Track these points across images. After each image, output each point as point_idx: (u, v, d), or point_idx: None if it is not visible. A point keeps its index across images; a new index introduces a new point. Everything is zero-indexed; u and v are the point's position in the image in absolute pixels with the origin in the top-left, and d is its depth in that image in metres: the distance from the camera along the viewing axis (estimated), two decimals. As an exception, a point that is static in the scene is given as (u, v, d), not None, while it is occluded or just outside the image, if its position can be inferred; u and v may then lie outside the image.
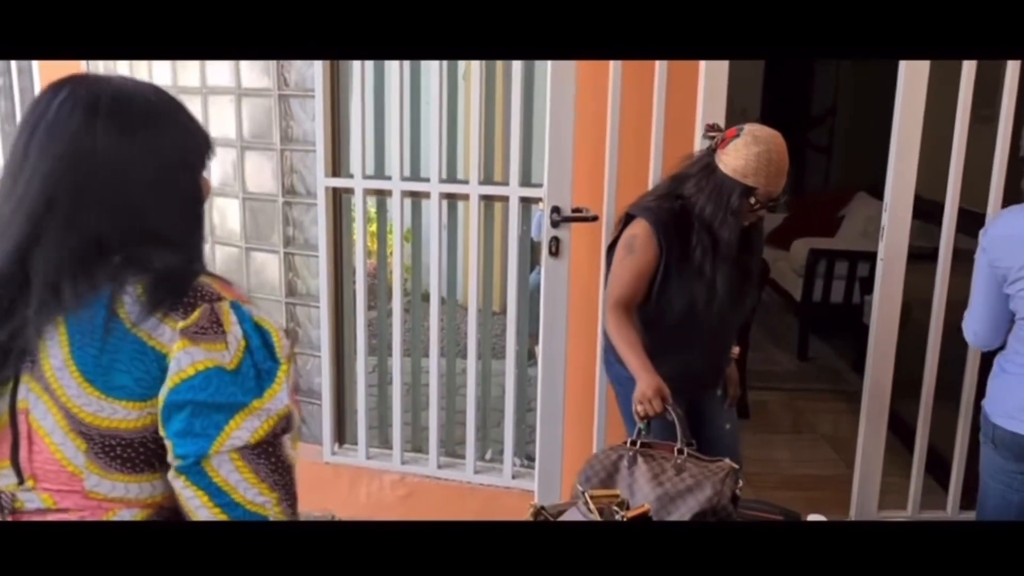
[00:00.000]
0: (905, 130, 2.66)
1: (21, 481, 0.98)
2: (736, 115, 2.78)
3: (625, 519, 1.38)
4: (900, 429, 3.16)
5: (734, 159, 2.07)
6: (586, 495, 1.46)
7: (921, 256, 2.97)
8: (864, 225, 5.24)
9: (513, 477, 3.07)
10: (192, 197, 1.08)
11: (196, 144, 1.08)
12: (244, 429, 0.95)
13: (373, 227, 3.60)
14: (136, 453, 0.98)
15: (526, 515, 1.50)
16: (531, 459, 3.03)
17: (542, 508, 1.49)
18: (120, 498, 0.98)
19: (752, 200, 2.08)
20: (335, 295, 3.16)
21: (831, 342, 5.00)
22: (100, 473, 0.97)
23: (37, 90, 5.15)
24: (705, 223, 2.11)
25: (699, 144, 2.59)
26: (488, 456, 3.24)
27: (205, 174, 1.11)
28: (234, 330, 0.98)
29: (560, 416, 2.64)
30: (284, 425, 0.99)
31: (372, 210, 3.40)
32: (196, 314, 0.97)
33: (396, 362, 3.13)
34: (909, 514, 2.90)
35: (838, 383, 4.46)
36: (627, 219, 2.22)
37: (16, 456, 0.98)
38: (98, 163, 0.98)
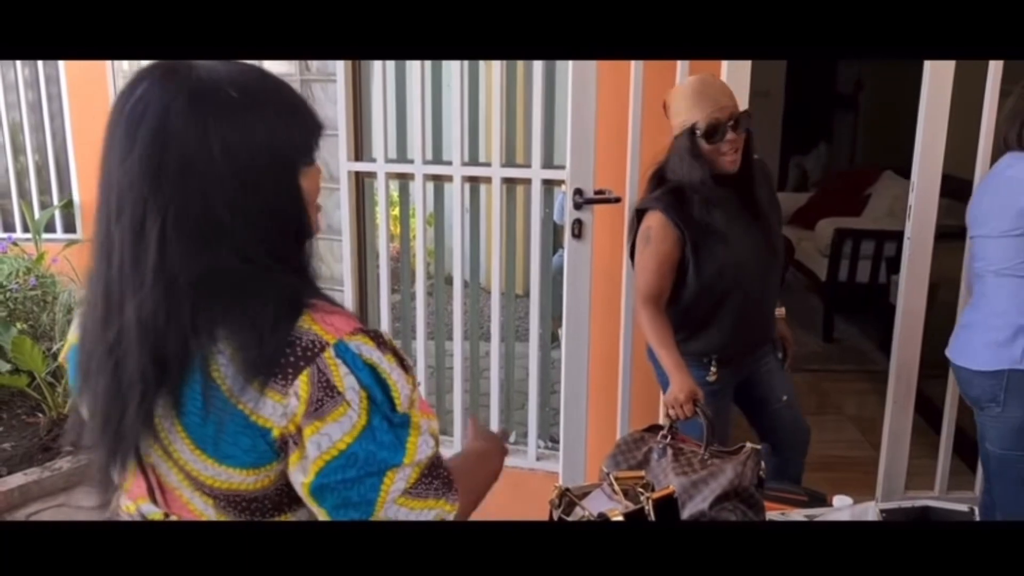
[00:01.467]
0: (933, 107, 2.62)
1: (166, 515, 0.99)
2: (759, 96, 2.76)
3: (650, 500, 1.38)
4: (927, 410, 3.13)
5: (673, 118, 2.15)
6: (611, 476, 1.47)
7: (949, 235, 2.93)
8: (891, 204, 5.18)
9: (537, 459, 3.08)
10: (288, 202, 0.94)
11: (291, 135, 0.94)
12: (400, 481, 0.91)
13: (396, 211, 3.61)
14: (266, 505, 0.95)
15: (551, 497, 1.51)
16: (555, 441, 3.04)
17: (567, 490, 1.50)
18: None
19: (699, 135, 2.08)
20: (359, 279, 3.18)
21: (857, 323, 4.95)
22: (235, 517, 0.96)
23: (63, 79, 5.20)
24: (691, 186, 2.13)
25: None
26: (512, 439, 3.26)
27: (315, 164, 0.99)
28: (349, 383, 0.89)
29: (584, 398, 2.65)
30: (435, 460, 0.95)
31: (395, 194, 3.41)
32: (304, 386, 0.87)
33: (420, 345, 3.14)
34: (936, 495, 2.88)
35: (864, 364, 4.42)
36: (638, 217, 2.24)
37: (154, 498, 0.99)
38: (177, 176, 0.87)
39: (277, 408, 0.87)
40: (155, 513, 0.99)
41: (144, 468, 0.96)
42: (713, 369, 2.22)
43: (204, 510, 0.95)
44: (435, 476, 0.94)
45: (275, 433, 0.88)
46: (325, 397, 0.87)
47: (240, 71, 0.92)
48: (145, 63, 0.93)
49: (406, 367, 0.93)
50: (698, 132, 2.08)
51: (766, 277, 2.27)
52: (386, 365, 0.91)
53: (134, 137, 0.87)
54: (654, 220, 2.16)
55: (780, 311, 2.45)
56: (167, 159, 0.86)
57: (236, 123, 0.88)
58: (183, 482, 0.94)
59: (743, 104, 2.44)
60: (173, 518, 0.98)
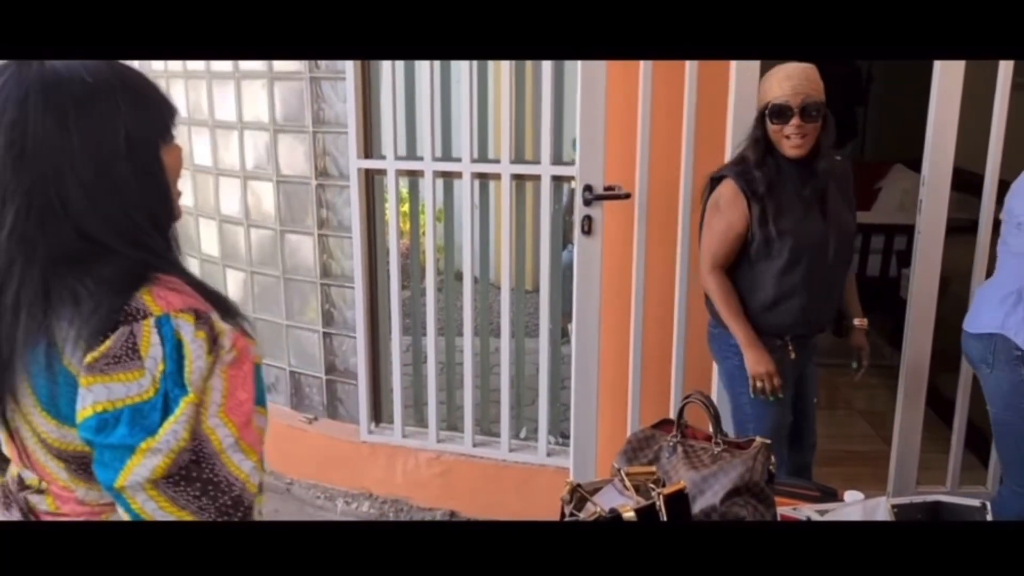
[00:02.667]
0: (943, 100, 2.61)
1: (40, 480, 1.01)
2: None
3: (661, 496, 1.39)
4: (939, 404, 3.12)
5: (758, 97, 2.25)
6: (622, 472, 1.47)
7: (960, 229, 2.92)
8: (901, 198, 5.16)
9: (548, 455, 3.08)
10: (147, 182, 0.99)
11: (146, 119, 0.99)
12: (143, 467, 0.89)
13: (405, 208, 3.62)
14: None
15: (562, 492, 1.51)
16: (566, 437, 3.05)
17: (578, 485, 1.50)
18: (111, 502, 0.96)
19: (768, 115, 2.16)
20: (369, 276, 3.19)
21: (867, 317, 4.93)
22: (86, 485, 0.98)
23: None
24: (754, 162, 2.20)
25: (731, 118, 2.57)
26: (523, 434, 3.26)
27: (174, 142, 1.03)
28: (153, 352, 0.91)
29: (594, 393, 2.65)
30: (190, 456, 0.90)
31: (404, 191, 3.41)
32: (109, 341, 0.90)
33: (430, 341, 3.15)
34: (948, 490, 2.88)
35: (874, 358, 4.36)
36: (711, 185, 2.30)
37: (23, 462, 1.02)
38: (33, 162, 0.93)
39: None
40: (32, 479, 1.02)
41: (11, 433, 1.00)
42: (791, 347, 2.30)
43: (58, 473, 0.99)
44: (204, 482, 0.91)
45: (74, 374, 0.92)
46: (124, 357, 0.90)
47: (92, 63, 0.98)
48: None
49: (212, 349, 0.93)
50: (767, 112, 2.17)
51: (829, 266, 2.30)
52: (189, 339, 0.92)
53: None
54: (725, 188, 2.23)
55: (862, 322, 2.53)
56: (26, 145, 0.92)
57: (90, 108, 0.94)
58: (38, 445, 0.98)
59: (752, 88, 2.44)
60: (44, 485, 1.01)
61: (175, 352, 0.91)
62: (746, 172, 2.21)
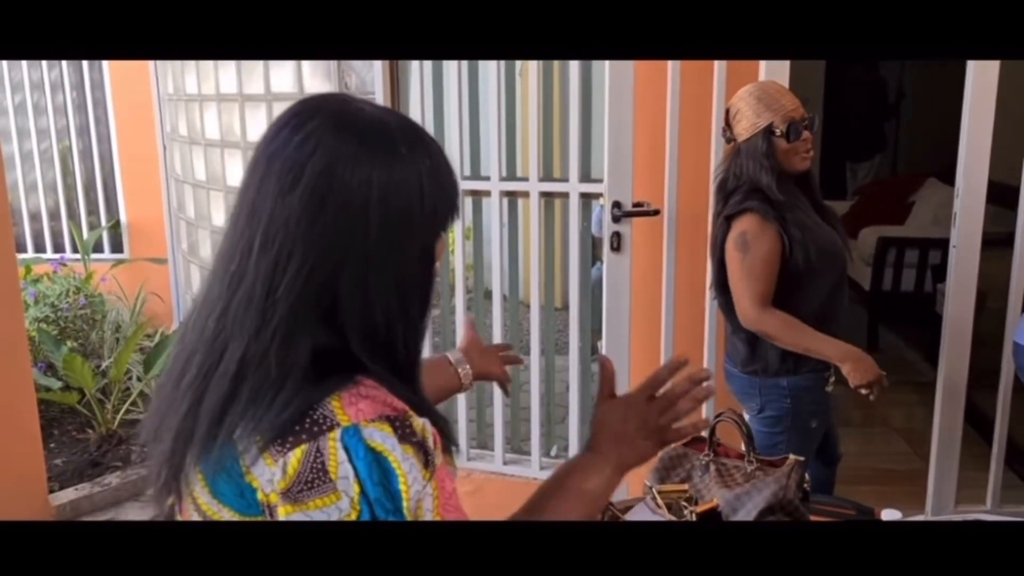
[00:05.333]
0: (977, 111, 2.57)
1: None
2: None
3: (694, 514, 1.37)
4: (977, 420, 3.06)
5: (741, 122, 2.14)
6: (654, 490, 1.46)
7: (996, 242, 2.87)
8: (935, 211, 5.09)
9: (579, 473, 3.06)
10: (409, 274, 0.88)
11: (439, 195, 0.89)
12: None
13: (434, 226, 3.63)
14: None
15: (593, 511, 1.50)
16: (596, 455, 3.02)
17: (610, 504, 1.49)
18: None
19: (777, 134, 2.09)
20: (399, 295, 3.20)
21: (901, 332, 4.87)
22: None
23: (110, 103, 5.34)
24: (767, 186, 2.10)
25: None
26: (553, 452, 3.25)
27: (447, 232, 0.93)
28: (344, 471, 0.81)
29: (625, 411, 2.63)
30: None
31: (433, 209, 3.43)
32: (295, 461, 0.81)
33: (460, 360, 3.15)
34: (988, 508, 2.82)
35: (910, 374, 4.34)
36: (725, 227, 2.17)
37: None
38: (331, 220, 0.84)
39: (266, 472, 0.83)
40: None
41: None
42: (831, 378, 2.19)
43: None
44: None
45: (259, 496, 0.84)
46: (316, 480, 0.81)
47: (401, 121, 0.90)
48: (310, 96, 0.93)
49: (427, 462, 0.84)
50: (777, 132, 2.09)
51: (846, 271, 2.26)
52: (399, 454, 0.81)
53: (300, 173, 0.84)
54: (748, 223, 2.10)
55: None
56: (329, 201, 0.84)
57: (396, 174, 0.85)
58: (189, 506, 0.92)
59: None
60: None
61: (374, 465, 0.81)
62: (764, 201, 2.10)
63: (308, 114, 0.88)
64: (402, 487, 0.81)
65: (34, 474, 3.24)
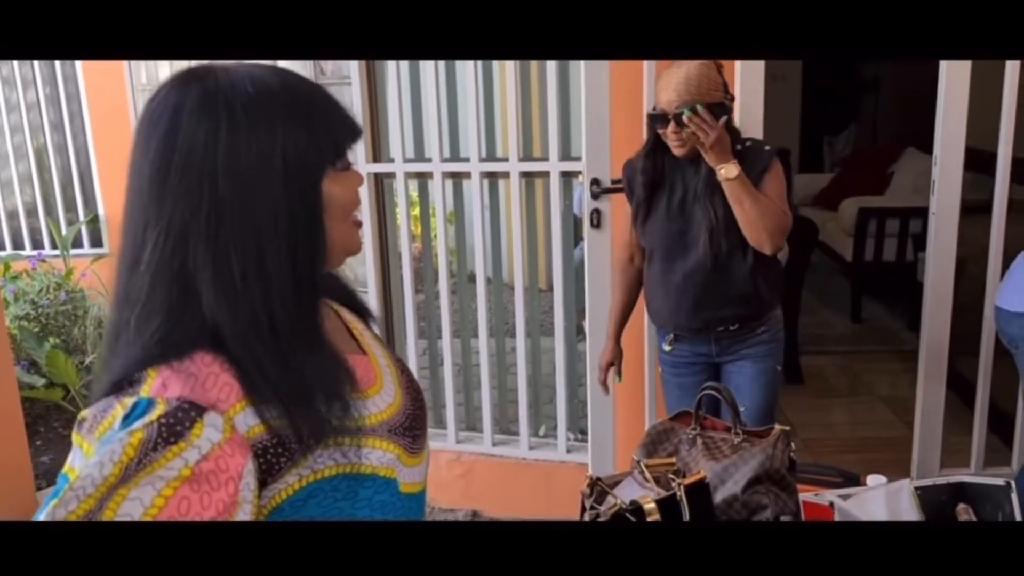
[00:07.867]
0: (953, 79, 2.58)
1: None
2: (776, 80, 2.74)
3: (682, 487, 1.38)
4: (960, 387, 3.10)
5: None
6: (642, 464, 1.46)
7: (974, 209, 2.89)
8: (914, 181, 5.13)
9: (567, 451, 3.08)
10: (295, 216, 0.84)
11: (313, 141, 0.85)
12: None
13: (416, 210, 3.62)
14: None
15: (582, 487, 1.51)
16: (584, 433, 3.04)
17: (598, 479, 1.50)
18: None
19: (655, 119, 2.13)
20: (383, 280, 3.20)
21: (885, 302, 4.91)
22: None
23: (83, 97, 5.26)
24: (637, 154, 2.25)
25: (739, 109, 2.55)
26: (542, 432, 3.26)
27: (350, 169, 0.91)
28: (113, 427, 0.78)
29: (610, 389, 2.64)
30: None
31: (414, 193, 3.42)
32: (91, 409, 0.80)
33: (446, 344, 3.16)
34: (972, 471, 2.85)
35: (894, 343, 4.38)
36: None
37: None
38: (178, 183, 0.82)
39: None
40: None
41: None
42: (670, 337, 2.33)
43: None
44: None
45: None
46: (94, 426, 0.80)
47: (261, 72, 0.87)
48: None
49: (142, 462, 0.76)
50: (655, 118, 2.13)
51: (682, 258, 2.21)
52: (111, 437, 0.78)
53: (149, 140, 0.83)
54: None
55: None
56: (174, 162, 0.82)
57: (243, 124, 0.83)
58: None
59: (759, 81, 2.41)
60: None
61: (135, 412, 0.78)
62: (630, 163, 2.31)
63: (164, 84, 0.86)
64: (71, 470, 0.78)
65: (20, 472, 3.22)
